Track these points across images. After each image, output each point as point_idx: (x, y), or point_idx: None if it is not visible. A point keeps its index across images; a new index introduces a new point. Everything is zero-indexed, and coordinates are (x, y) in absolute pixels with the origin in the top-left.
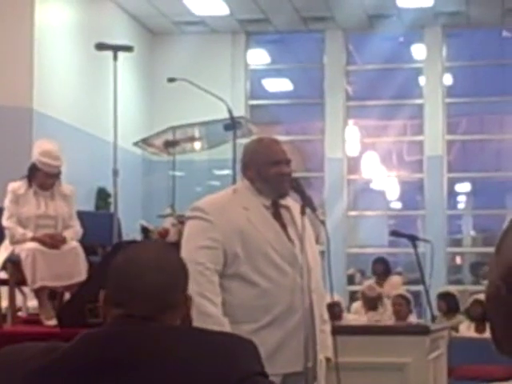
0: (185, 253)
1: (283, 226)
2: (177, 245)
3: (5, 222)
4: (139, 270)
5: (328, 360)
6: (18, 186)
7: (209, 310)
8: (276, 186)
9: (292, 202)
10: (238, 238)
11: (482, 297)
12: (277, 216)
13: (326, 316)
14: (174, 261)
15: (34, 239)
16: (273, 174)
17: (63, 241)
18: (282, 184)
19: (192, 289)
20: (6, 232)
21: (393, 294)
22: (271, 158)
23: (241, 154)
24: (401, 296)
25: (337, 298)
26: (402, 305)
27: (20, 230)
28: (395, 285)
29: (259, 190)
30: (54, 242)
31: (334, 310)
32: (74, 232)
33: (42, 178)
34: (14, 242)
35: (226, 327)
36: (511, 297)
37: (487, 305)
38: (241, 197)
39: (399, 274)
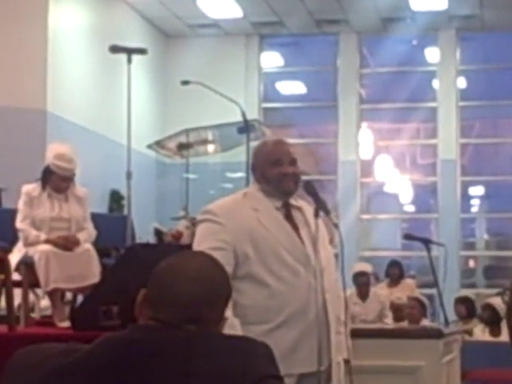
0: None
1: (295, 227)
2: (190, 247)
3: (19, 224)
4: (177, 277)
5: (346, 362)
6: (32, 188)
7: None
8: (278, 185)
9: (304, 203)
10: (248, 238)
11: (492, 300)
12: (288, 217)
13: (344, 317)
14: (216, 278)
15: (47, 241)
16: (275, 174)
17: (77, 243)
18: (285, 183)
19: None
20: (20, 234)
21: (407, 296)
22: (272, 158)
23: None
24: (415, 299)
25: (364, 267)
26: (415, 307)
27: (34, 232)
28: (409, 288)
29: (266, 191)
30: (67, 244)
31: (362, 280)
32: (87, 234)
33: (57, 181)
34: (28, 243)
35: (238, 328)
36: None
37: (507, 312)
38: (251, 199)
39: (412, 277)
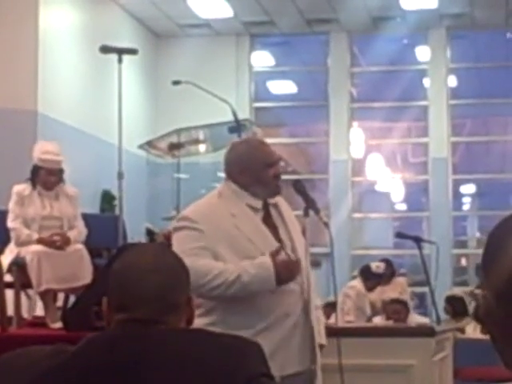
0: None
1: (274, 228)
2: None
3: (10, 224)
4: (138, 273)
5: (321, 347)
6: (22, 188)
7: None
8: (274, 187)
9: (279, 198)
10: (226, 245)
11: None
12: (267, 218)
13: (318, 302)
14: (171, 262)
15: (39, 241)
16: (271, 175)
17: (68, 242)
18: (278, 184)
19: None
20: (12, 233)
21: (387, 299)
22: (268, 160)
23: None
24: (396, 301)
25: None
26: (400, 312)
27: (25, 231)
28: (401, 286)
29: (254, 193)
30: (59, 242)
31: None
32: (77, 232)
33: (45, 175)
34: (20, 243)
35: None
36: (501, 309)
37: (484, 318)
38: (227, 202)
39: (403, 275)
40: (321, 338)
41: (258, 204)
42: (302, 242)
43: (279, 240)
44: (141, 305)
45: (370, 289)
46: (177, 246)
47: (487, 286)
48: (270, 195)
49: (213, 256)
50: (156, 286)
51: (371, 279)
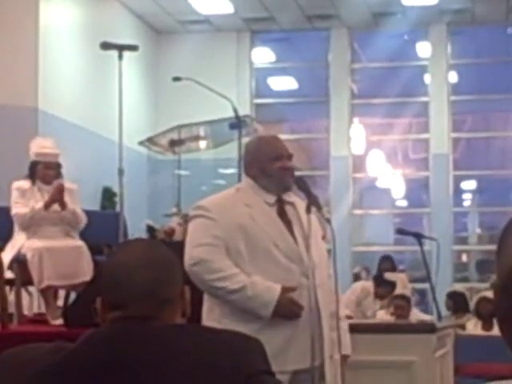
0: (188, 251)
1: (288, 224)
2: (182, 244)
3: (13, 211)
4: (128, 270)
5: (345, 357)
6: (21, 183)
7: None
8: (280, 180)
9: (297, 199)
10: (240, 234)
11: (488, 294)
12: (282, 213)
13: (342, 312)
14: (162, 256)
15: (46, 205)
16: (276, 168)
17: (61, 188)
18: (286, 178)
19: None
20: (15, 219)
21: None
22: (274, 154)
23: (243, 154)
24: (401, 297)
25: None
26: (404, 307)
27: (26, 209)
28: (402, 282)
29: (264, 186)
30: (60, 187)
31: (388, 289)
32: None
33: (43, 169)
34: (26, 222)
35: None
36: (504, 301)
37: (495, 306)
38: (243, 195)
39: (402, 271)
40: (345, 348)
41: (272, 199)
42: (321, 244)
43: (293, 235)
44: (134, 302)
45: (380, 296)
46: (190, 235)
47: (497, 277)
48: (279, 189)
49: (225, 245)
50: (147, 281)
51: (383, 286)
